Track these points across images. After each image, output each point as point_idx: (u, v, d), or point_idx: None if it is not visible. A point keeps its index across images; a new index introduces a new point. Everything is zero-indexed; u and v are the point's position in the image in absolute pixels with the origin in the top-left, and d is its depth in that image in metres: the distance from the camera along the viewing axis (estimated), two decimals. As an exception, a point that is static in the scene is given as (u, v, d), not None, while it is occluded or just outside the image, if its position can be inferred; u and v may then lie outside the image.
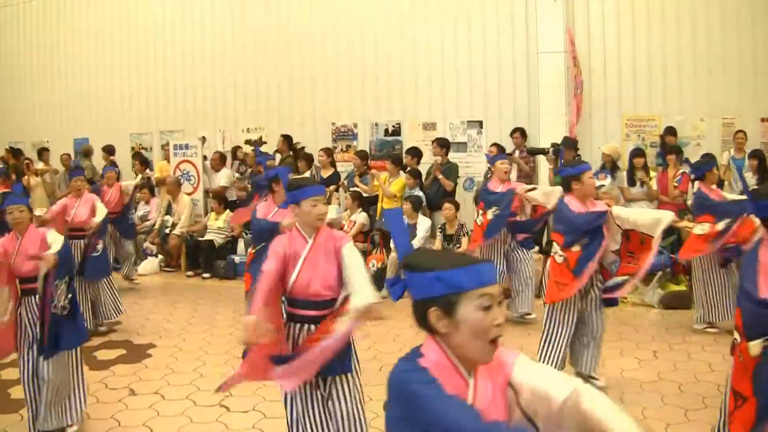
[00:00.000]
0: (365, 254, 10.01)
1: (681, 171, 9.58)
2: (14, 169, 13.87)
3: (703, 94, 10.99)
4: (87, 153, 14.67)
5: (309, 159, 11.53)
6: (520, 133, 11.18)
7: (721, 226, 6.99)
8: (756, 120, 10.80)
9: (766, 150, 10.28)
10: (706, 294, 7.69)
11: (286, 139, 12.26)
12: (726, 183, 9.81)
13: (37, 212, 8.44)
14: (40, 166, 14.60)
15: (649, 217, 5.50)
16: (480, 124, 12.08)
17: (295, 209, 4.21)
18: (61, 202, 8.61)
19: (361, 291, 3.77)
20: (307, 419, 4.10)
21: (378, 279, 9.35)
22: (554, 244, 5.93)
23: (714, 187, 7.71)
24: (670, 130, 10.56)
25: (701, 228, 7.13)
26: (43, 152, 15.05)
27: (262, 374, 3.94)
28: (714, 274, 7.65)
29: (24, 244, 5.28)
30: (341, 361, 4.03)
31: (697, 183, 7.83)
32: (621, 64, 11.24)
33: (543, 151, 10.30)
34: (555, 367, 5.64)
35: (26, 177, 13.67)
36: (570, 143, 10.19)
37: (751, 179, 9.33)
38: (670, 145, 10.29)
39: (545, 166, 10.54)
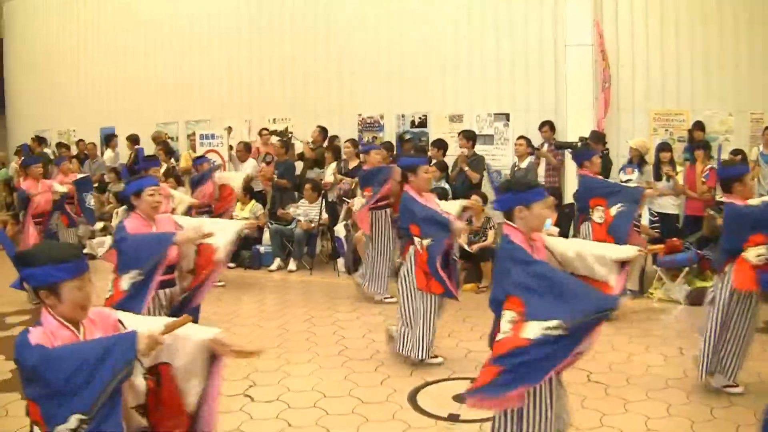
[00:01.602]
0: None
1: (709, 166, 9.49)
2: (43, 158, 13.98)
3: (731, 89, 10.91)
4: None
5: (336, 150, 11.63)
6: (549, 126, 11.12)
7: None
8: (784, 115, 10.72)
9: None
10: None
11: (322, 130, 12.30)
12: (754, 180, 9.70)
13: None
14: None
15: (592, 254, 4.05)
16: (507, 116, 12.03)
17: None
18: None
19: None
20: None
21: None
22: None
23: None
24: (698, 125, 10.47)
25: (755, 253, 5.46)
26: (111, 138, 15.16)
27: None
28: None
29: (159, 228, 5.35)
30: None
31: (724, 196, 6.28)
32: (649, 58, 11.17)
33: (571, 145, 10.23)
34: None
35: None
36: (598, 137, 10.14)
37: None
38: (698, 140, 10.19)
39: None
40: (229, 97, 14.33)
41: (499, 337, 3.55)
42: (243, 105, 14.18)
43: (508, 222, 3.97)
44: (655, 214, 9.52)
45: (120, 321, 3.23)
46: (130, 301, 4.66)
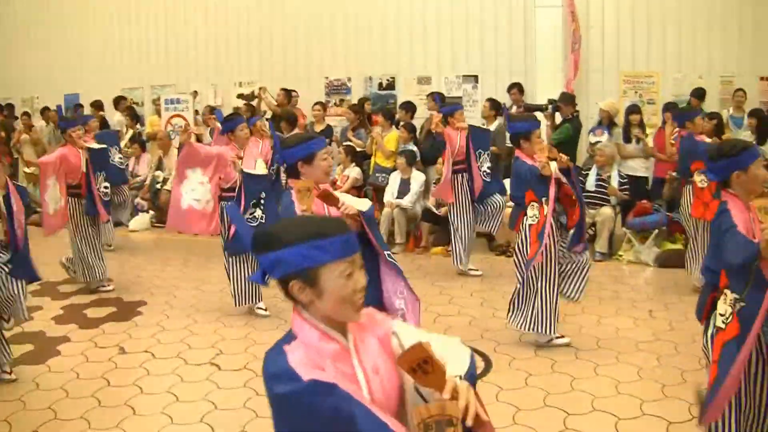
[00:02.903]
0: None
1: (677, 129, 9.45)
2: (2, 126, 13.74)
3: (702, 51, 10.89)
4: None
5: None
6: (517, 88, 11.03)
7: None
8: (755, 78, 10.71)
9: (764, 109, 10.17)
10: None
11: (287, 93, 12.14)
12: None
13: (27, 170, 8.25)
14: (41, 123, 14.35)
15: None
16: (475, 78, 11.94)
17: None
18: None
19: None
20: None
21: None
22: None
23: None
24: (697, 92, 10.32)
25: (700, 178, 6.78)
26: (45, 111, 14.68)
27: None
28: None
29: None
30: None
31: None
32: (619, 20, 11.10)
33: (540, 108, 10.16)
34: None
35: (16, 133, 13.55)
36: (568, 99, 10.07)
37: (750, 138, 9.18)
38: (694, 107, 10.10)
39: (542, 123, 10.40)
40: (195, 62, 14.07)
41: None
42: (209, 69, 13.93)
43: (726, 189, 3.77)
44: (625, 177, 9.47)
45: (395, 334, 2.20)
46: None
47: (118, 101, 13.63)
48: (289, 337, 2.07)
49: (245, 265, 7.02)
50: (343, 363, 2.04)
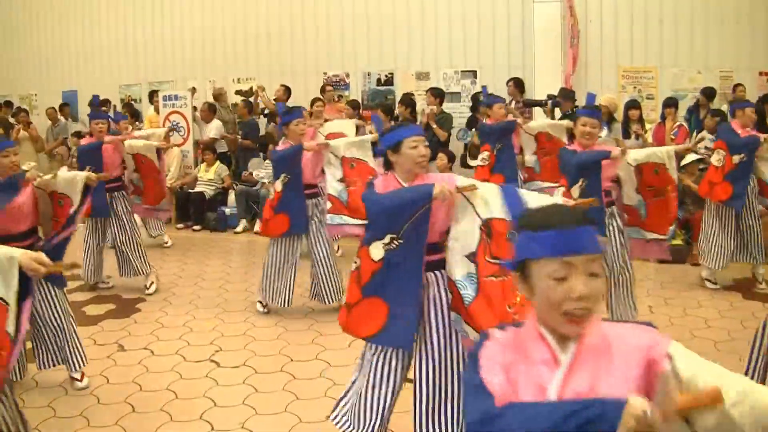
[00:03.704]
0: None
1: (678, 124, 9.45)
2: (1, 123, 13.68)
3: (701, 46, 10.88)
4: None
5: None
6: (514, 82, 10.99)
7: (736, 159, 6.87)
8: (753, 73, 10.70)
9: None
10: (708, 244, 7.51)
11: (286, 89, 12.13)
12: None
13: (25, 167, 8.17)
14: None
15: None
16: (474, 74, 11.93)
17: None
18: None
19: None
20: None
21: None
22: None
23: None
24: (706, 91, 10.29)
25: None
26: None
27: None
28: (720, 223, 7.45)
29: None
30: None
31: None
32: (618, 14, 11.09)
33: (540, 103, 10.14)
34: None
35: (15, 130, 13.49)
36: (568, 95, 10.03)
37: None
38: (667, 97, 10.13)
39: (542, 118, 10.39)
40: (192, 58, 14.04)
41: None
42: (206, 65, 13.90)
43: None
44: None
45: (671, 359, 1.87)
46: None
47: (152, 95, 13.43)
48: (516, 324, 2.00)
49: None
50: (544, 374, 1.88)
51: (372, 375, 3.94)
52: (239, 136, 11.99)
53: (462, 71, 11.98)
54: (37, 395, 5.25)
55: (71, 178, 5.35)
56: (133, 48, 14.68)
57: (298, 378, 5.45)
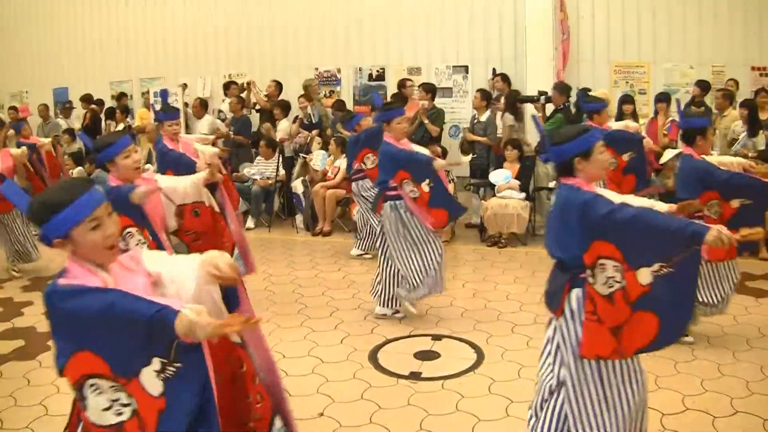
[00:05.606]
0: (348, 201, 9.96)
1: (670, 119, 9.44)
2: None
3: (693, 41, 10.88)
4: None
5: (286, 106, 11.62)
6: (500, 77, 10.95)
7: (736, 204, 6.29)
8: (746, 68, 10.71)
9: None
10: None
11: (278, 84, 12.12)
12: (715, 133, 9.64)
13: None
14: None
15: None
16: (466, 69, 11.91)
17: None
18: None
19: None
20: None
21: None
22: None
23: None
24: (701, 84, 10.26)
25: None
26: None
27: None
28: None
29: None
30: None
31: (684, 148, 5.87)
32: (610, 9, 11.08)
33: (532, 99, 10.13)
34: None
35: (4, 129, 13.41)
36: (562, 87, 10.00)
37: (741, 129, 9.13)
38: (659, 92, 10.12)
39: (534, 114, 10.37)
40: (184, 54, 13.99)
41: None
42: (198, 61, 13.86)
43: None
44: (617, 167, 9.44)
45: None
46: None
47: (228, 86, 12.84)
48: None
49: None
50: None
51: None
52: (231, 132, 11.94)
53: (454, 66, 11.96)
54: (28, 393, 5.23)
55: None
56: (124, 44, 14.63)
57: (291, 375, 5.40)
